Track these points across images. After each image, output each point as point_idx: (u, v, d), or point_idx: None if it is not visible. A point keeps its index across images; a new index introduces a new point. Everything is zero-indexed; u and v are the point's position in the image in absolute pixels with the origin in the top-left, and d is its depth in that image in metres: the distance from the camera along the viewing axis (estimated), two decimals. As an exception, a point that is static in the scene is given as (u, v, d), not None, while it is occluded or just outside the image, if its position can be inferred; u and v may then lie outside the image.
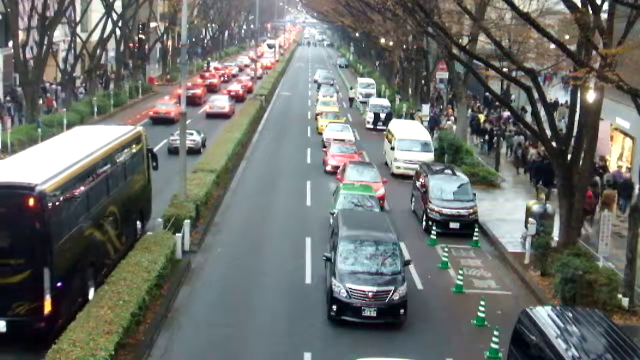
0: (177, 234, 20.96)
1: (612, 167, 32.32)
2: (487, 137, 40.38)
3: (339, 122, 43.99)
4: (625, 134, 32.62)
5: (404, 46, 54.33)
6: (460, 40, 31.62)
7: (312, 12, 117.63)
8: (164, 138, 37.49)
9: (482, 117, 45.70)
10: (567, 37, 35.79)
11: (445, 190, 25.42)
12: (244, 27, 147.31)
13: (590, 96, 20.81)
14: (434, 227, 24.41)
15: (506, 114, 43.51)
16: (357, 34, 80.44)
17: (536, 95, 21.92)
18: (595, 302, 17.37)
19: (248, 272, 20.69)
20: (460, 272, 20.46)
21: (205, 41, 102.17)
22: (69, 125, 36.46)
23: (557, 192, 23.05)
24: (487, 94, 47.56)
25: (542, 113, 22.72)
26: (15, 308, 14.88)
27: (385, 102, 51.89)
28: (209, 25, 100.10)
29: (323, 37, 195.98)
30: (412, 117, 46.53)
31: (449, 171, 27.15)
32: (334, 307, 17.17)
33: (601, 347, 12.11)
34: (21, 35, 39.79)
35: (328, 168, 33.62)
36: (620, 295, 18.27)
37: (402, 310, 17.20)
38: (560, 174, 21.75)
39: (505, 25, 37.30)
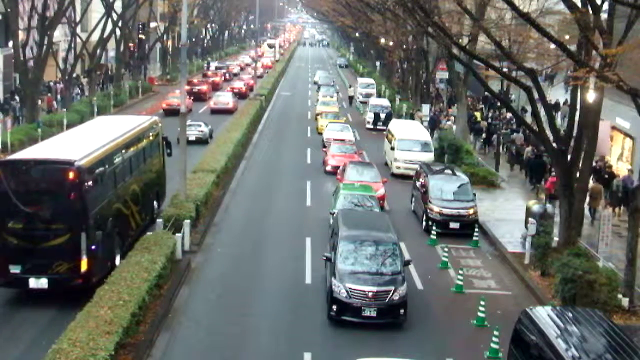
0: (177, 234, 20.95)
1: (614, 168, 32.25)
2: (483, 135, 40.46)
3: (339, 122, 43.98)
4: (626, 134, 32.61)
5: (404, 46, 54.33)
6: (460, 40, 31.59)
7: (312, 12, 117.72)
8: (175, 127, 37.56)
9: (478, 115, 45.72)
10: (567, 37, 35.75)
11: (445, 190, 25.42)
12: (244, 27, 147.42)
13: (590, 96, 20.82)
14: (434, 227, 24.41)
15: (508, 115, 43.50)
16: (357, 34, 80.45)
17: (536, 96, 21.91)
18: (595, 302, 17.35)
19: (248, 272, 20.70)
20: (460, 272, 20.46)
21: (205, 41, 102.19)
22: (68, 125, 36.45)
23: (557, 191, 23.06)
24: (486, 93, 47.54)
25: (542, 113, 22.72)
26: (55, 267, 17.15)
27: (385, 102, 51.89)
28: (209, 25, 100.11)
29: (323, 37, 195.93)
30: (412, 117, 46.53)
31: (449, 171, 27.14)
32: (334, 307, 17.16)
33: (601, 347, 12.11)
34: (21, 35, 39.80)
35: (328, 168, 33.62)
36: (620, 295, 18.26)
37: (402, 310, 17.18)
38: (560, 174, 21.75)
39: (505, 25, 37.29)
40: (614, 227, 23.26)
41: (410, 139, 34.48)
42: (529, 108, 31.51)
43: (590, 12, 19.15)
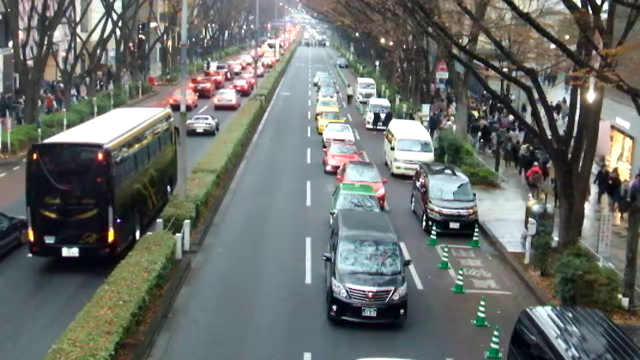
0: (177, 234, 20.95)
1: (614, 168, 32.25)
2: (479, 133, 40.58)
3: (339, 122, 43.99)
4: (626, 134, 32.61)
5: (404, 46, 54.34)
6: (460, 40, 31.64)
7: (312, 12, 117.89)
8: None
9: (475, 114, 45.73)
10: (567, 37, 35.78)
11: (445, 190, 25.42)
12: (244, 27, 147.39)
13: (590, 96, 20.81)
14: (434, 227, 24.41)
15: (510, 118, 43.43)
16: (357, 34, 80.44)
17: (536, 96, 21.91)
18: (595, 302, 17.36)
19: (248, 272, 20.70)
20: (460, 272, 20.46)
21: (205, 41, 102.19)
22: (68, 125, 36.45)
23: (557, 191, 23.06)
24: (485, 92, 47.60)
25: (542, 113, 22.71)
26: (85, 238, 19.34)
27: (385, 102, 51.90)
28: (209, 25, 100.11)
29: (323, 37, 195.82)
30: (411, 117, 46.53)
31: (449, 171, 27.15)
32: (334, 307, 17.16)
33: (601, 347, 12.11)
34: (21, 35, 39.80)
35: (328, 168, 33.62)
36: (620, 295, 18.27)
37: (402, 310, 17.18)
38: (560, 174, 21.75)
39: (505, 25, 37.31)
40: (614, 227, 23.26)
41: (410, 139, 34.48)
42: (529, 108, 31.53)
43: (590, 12, 19.15)
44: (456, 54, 28.59)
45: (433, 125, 43.03)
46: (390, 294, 17.04)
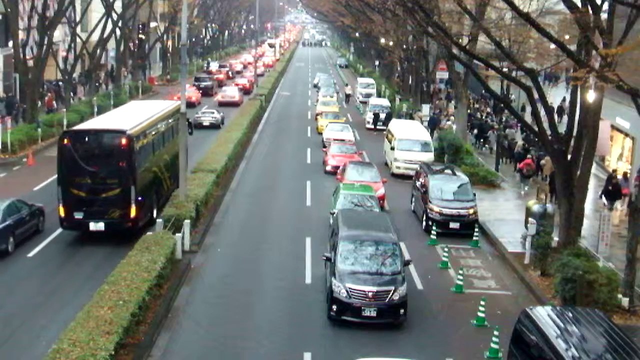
0: (177, 234, 20.96)
1: (616, 169, 32.25)
2: (475, 130, 40.62)
3: (339, 122, 44.01)
4: (626, 134, 32.62)
5: (404, 46, 54.34)
6: (460, 40, 31.61)
7: (312, 12, 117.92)
8: (189, 116, 37.80)
9: (479, 115, 45.71)
10: (567, 37, 35.75)
11: (445, 190, 25.41)
12: (244, 27, 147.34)
13: (590, 96, 20.80)
14: (434, 227, 24.40)
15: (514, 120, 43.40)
16: (357, 34, 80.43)
17: (536, 96, 21.90)
18: (595, 302, 17.35)
19: (248, 272, 20.70)
20: (460, 272, 20.45)
21: (205, 41, 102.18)
22: (68, 125, 36.45)
23: (557, 191, 23.06)
24: (484, 92, 47.54)
25: (542, 113, 22.71)
26: (110, 213, 21.77)
27: (385, 102, 51.90)
28: (209, 25, 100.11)
29: (323, 37, 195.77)
30: (411, 117, 46.52)
31: (449, 171, 27.14)
32: (334, 307, 17.16)
33: (601, 347, 12.11)
34: (21, 35, 39.81)
35: (328, 168, 33.62)
36: (620, 295, 18.27)
37: (402, 310, 17.18)
38: (560, 174, 21.75)
39: (505, 25, 37.27)
40: (614, 227, 23.27)
41: (410, 139, 34.48)
42: (528, 108, 31.51)
43: (590, 12, 19.14)
44: (456, 54, 28.60)
45: (433, 125, 43.02)
46: (390, 294, 17.04)
